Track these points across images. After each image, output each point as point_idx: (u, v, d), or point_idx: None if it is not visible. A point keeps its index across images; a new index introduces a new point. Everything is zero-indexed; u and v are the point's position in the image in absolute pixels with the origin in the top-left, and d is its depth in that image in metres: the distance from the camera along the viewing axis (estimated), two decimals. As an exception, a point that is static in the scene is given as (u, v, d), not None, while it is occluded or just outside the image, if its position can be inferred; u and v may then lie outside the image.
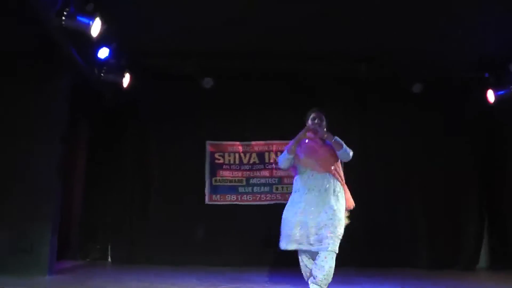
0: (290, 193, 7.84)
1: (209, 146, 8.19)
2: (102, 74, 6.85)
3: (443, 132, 8.13)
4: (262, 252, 7.82)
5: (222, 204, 8.04)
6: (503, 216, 8.10)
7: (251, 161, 8.22)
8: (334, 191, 4.87)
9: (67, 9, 5.29)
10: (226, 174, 8.14)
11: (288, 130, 8.20)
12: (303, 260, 5.06)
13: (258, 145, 8.26)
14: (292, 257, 7.61)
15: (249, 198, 8.09)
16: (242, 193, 8.10)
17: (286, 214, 5.03)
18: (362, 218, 7.80)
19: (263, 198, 8.10)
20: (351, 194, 5.19)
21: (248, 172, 8.17)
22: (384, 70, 7.60)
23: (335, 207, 4.77)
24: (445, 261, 7.91)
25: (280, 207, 7.82)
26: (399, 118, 8.16)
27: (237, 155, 8.22)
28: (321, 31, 6.75)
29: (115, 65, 6.99)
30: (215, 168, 8.14)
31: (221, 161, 8.18)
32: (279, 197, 8.10)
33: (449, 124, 8.10)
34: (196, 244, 7.82)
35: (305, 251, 4.94)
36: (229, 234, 7.87)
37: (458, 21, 6.34)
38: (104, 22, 5.60)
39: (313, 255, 4.88)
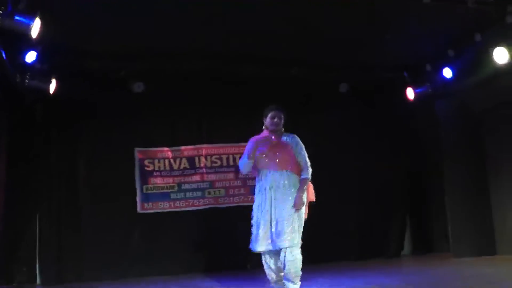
0: (222, 196, 8.10)
1: (137, 153, 7.91)
2: (26, 80, 6.40)
3: (373, 128, 8.54)
4: (200, 258, 7.79)
5: (155, 212, 7.81)
6: (423, 206, 8.74)
7: (182, 167, 8.06)
8: (293, 186, 4.81)
9: (3, 8, 4.90)
10: (157, 181, 7.91)
11: (216, 134, 8.29)
12: (267, 262, 4.96)
13: (187, 149, 8.12)
14: (234, 260, 7.81)
15: (182, 204, 7.93)
16: (174, 199, 7.92)
17: (254, 215, 4.99)
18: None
19: (196, 203, 7.99)
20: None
21: (179, 178, 8.00)
22: (315, 72, 7.75)
23: (293, 203, 4.75)
24: (374, 250, 8.35)
25: (213, 211, 8.00)
26: (333, 117, 8.43)
27: (166, 161, 8.02)
28: (252, 33, 6.78)
29: (41, 70, 6.55)
30: (146, 175, 7.88)
31: (151, 168, 7.93)
32: (212, 201, 8.06)
33: (377, 121, 8.53)
34: (131, 255, 7.54)
35: (269, 251, 4.88)
36: (164, 242, 7.67)
37: (384, 27, 6.70)
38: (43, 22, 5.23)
39: (277, 254, 4.81)
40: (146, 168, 7.90)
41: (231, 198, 8.13)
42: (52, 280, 7.20)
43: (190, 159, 8.11)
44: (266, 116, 5.00)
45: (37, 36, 5.31)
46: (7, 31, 5.19)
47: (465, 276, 5.79)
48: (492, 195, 7.54)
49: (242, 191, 8.18)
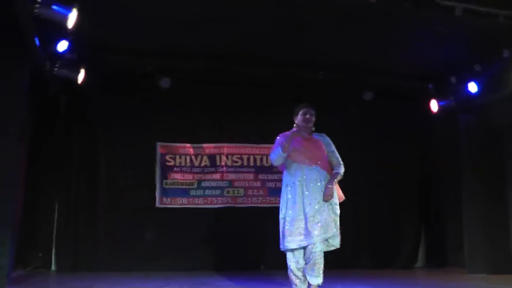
0: (241, 196, 8.17)
1: (159, 147, 8.03)
2: (55, 69, 6.55)
3: (393, 138, 8.56)
4: (215, 256, 7.85)
5: (173, 207, 7.91)
6: (438, 218, 8.71)
7: (202, 164, 8.16)
8: (324, 181, 4.74)
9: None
10: (177, 176, 8.02)
11: (238, 133, 8.38)
12: (297, 260, 4.73)
13: (209, 147, 8.22)
14: (248, 260, 7.88)
15: (201, 201, 8.04)
16: (193, 196, 8.02)
17: (282, 210, 4.79)
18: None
19: (214, 201, 8.09)
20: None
21: (199, 175, 8.11)
22: (339, 78, 7.81)
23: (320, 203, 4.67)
24: (386, 260, 8.35)
25: (231, 211, 8.08)
26: (354, 124, 8.51)
27: (188, 158, 8.13)
28: (280, 39, 6.89)
29: (71, 60, 6.68)
30: (166, 170, 8.00)
31: (172, 163, 8.04)
32: (230, 200, 8.14)
33: (394, 130, 8.54)
34: (147, 249, 7.65)
35: (299, 249, 4.69)
36: (181, 238, 7.74)
37: (409, 37, 6.73)
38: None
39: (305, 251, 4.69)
40: (167, 163, 8.02)
41: (250, 199, 8.22)
42: (67, 268, 7.35)
43: (211, 157, 8.21)
44: (296, 114, 4.94)
45: (72, 26, 5.47)
46: (43, 19, 5.36)
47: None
48: (510, 212, 7.49)
49: (261, 192, 8.26)
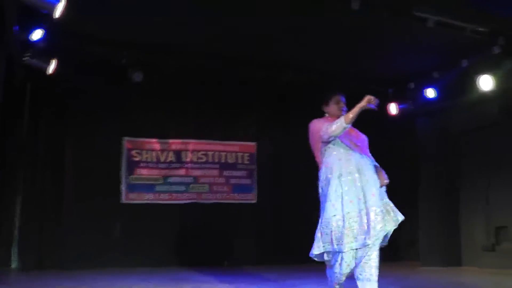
0: (205, 192, 8.23)
1: (126, 142, 7.96)
2: (26, 58, 6.34)
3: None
4: (180, 251, 7.90)
5: (139, 203, 7.88)
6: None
7: (168, 160, 8.17)
8: (372, 171, 4.24)
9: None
10: (143, 172, 8.00)
11: (204, 130, 8.45)
12: (349, 262, 4.05)
13: (175, 143, 8.25)
14: (212, 256, 7.96)
15: (166, 197, 8.06)
16: (159, 192, 8.03)
17: (328, 209, 4.11)
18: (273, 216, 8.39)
19: (179, 197, 8.13)
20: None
21: (165, 171, 8.12)
22: (307, 78, 8.06)
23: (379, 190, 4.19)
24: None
25: (196, 206, 8.14)
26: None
27: (154, 153, 8.12)
28: (254, 41, 7.02)
29: (43, 49, 6.47)
30: (132, 165, 7.96)
31: (138, 159, 8.00)
32: (195, 196, 8.22)
33: (363, 129, 8.88)
34: (112, 244, 7.58)
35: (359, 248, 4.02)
36: (146, 233, 7.74)
37: (377, 44, 7.09)
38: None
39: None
40: (133, 159, 7.97)
41: (214, 195, 8.33)
42: (31, 266, 7.11)
43: (177, 153, 8.24)
44: (327, 102, 4.47)
45: (59, 16, 5.35)
46: (27, 7, 5.21)
47: (440, 283, 6.20)
48: (461, 211, 8.07)
49: (225, 188, 8.40)
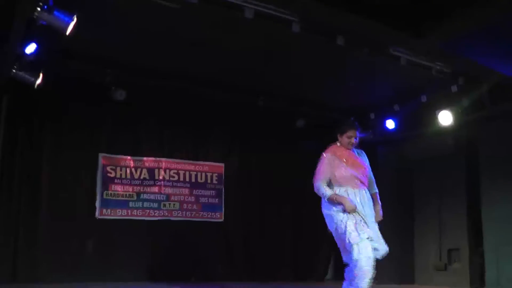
0: (176, 210, 8.49)
1: (102, 158, 8.06)
2: (14, 70, 6.40)
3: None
4: (150, 266, 8.08)
5: (113, 219, 7.98)
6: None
7: (142, 177, 8.34)
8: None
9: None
10: (117, 188, 8.12)
11: (176, 150, 8.72)
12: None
13: (148, 161, 8.43)
14: (180, 272, 8.17)
15: (139, 213, 8.21)
16: (132, 208, 8.17)
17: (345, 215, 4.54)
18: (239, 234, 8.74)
19: (152, 213, 8.31)
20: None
21: (138, 187, 8.29)
22: (275, 104, 8.54)
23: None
24: (304, 273, 9.21)
25: (167, 223, 8.36)
26: (286, 148, 9.35)
27: (128, 170, 8.26)
28: (230, 66, 7.36)
29: (30, 63, 6.52)
30: (107, 181, 8.06)
31: (113, 175, 8.12)
32: (166, 213, 8.43)
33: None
34: (86, 259, 7.64)
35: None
36: (119, 248, 7.87)
37: (346, 76, 7.68)
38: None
39: None
40: (108, 175, 8.09)
41: (184, 213, 8.57)
42: (5, 279, 7.03)
43: (150, 171, 8.43)
44: (342, 133, 4.84)
45: (70, 33, 5.51)
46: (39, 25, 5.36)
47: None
48: (416, 233, 8.79)
49: (195, 207, 8.67)
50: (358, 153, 4.98)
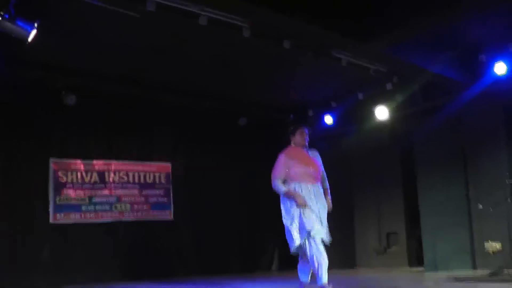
0: (127, 211, 8.63)
1: (52, 163, 8.04)
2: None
3: (260, 159, 9.78)
4: (105, 269, 8.17)
5: (67, 223, 8.01)
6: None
7: (93, 180, 8.40)
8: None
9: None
10: (69, 192, 8.14)
11: (125, 151, 8.84)
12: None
13: (98, 164, 8.49)
14: (133, 271, 8.33)
15: (92, 216, 8.28)
16: (85, 211, 8.23)
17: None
18: (189, 231, 9.04)
19: (104, 216, 8.39)
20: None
21: (90, 191, 8.35)
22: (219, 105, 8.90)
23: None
24: (251, 265, 9.64)
25: (119, 225, 8.49)
26: (230, 147, 9.65)
27: (79, 174, 8.29)
28: (175, 66, 7.57)
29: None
30: (59, 186, 8.06)
31: (64, 180, 8.13)
32: (118, 215, 8.55)
33: (265, 154, 9.81)
34: (42, 265, 7.63)
35: None
36: (74, 252, 7.92)
37: (287, 76, 8.13)
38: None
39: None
40: (60, 180, 8.09)
41: (135, 213, 8.72)
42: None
43: (101, 174, 8.50)
44: (293, 133, 5.44)
45: (31, 41, 5.55)
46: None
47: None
48: (356, 220, 9.45)
49: (145, 207, 8.84)
50: (311, 152, 5.52)
